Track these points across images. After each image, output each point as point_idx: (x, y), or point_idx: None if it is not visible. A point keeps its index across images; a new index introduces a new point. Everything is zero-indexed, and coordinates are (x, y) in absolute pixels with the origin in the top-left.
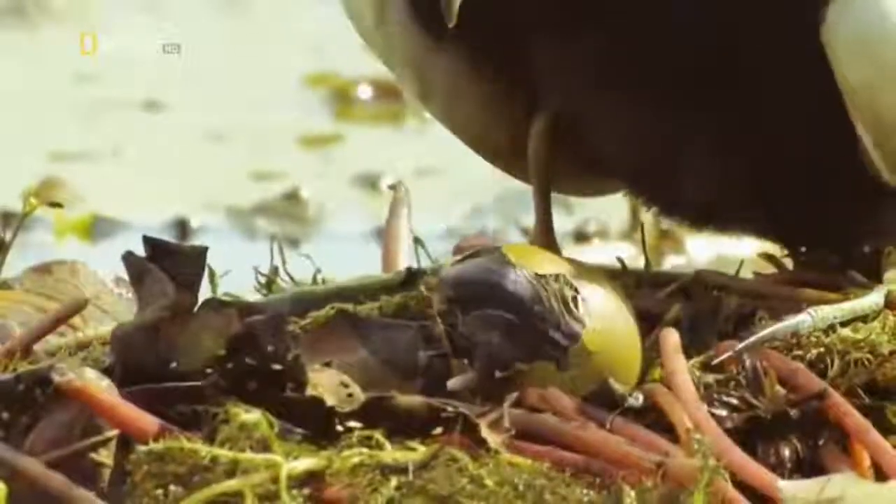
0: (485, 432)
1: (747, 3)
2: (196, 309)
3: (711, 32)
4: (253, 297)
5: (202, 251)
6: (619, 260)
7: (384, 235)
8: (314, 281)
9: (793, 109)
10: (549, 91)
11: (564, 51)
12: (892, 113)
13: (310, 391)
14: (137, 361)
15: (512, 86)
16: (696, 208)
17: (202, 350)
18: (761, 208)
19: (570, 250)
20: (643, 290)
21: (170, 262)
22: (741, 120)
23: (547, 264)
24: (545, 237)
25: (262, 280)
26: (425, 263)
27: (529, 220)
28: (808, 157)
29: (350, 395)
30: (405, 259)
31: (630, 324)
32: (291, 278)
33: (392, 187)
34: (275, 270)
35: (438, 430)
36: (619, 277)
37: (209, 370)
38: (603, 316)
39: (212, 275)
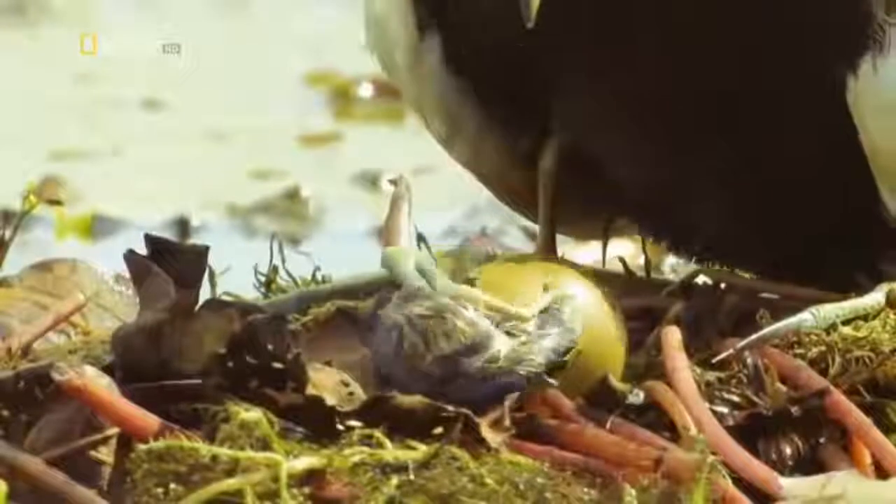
0: (485, 432)
1: (767, 50)
2: (197, 309)
3: (727, 76)
4: (252, 296)
5: (204, 250)
6: (620, 259)
7: (384, 231)
8: (313, 279)
9: (803, 152)
10: (560, 129)
11: (576, 92)
12: None
13: (310, 390)
14: (138, 362)
15: (524, 129)
16: (702, 246)
17: (203, 351)
18: (769, 249)
19: (571, 250)
20: (643, 287)
21: (171, 261)
22: (750, 162)
23: (527, 276)
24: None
25: (262, 279)
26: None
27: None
28: (816, 199)
29: (351, 394)
30: None
31: (611, 322)
32: (291, 277)
33: (393, 182)
34: (274, 270)
35: (439, 429)
36: (619, 277)
37: (210, 370)
38: (585, 316)
39: (211, 274)
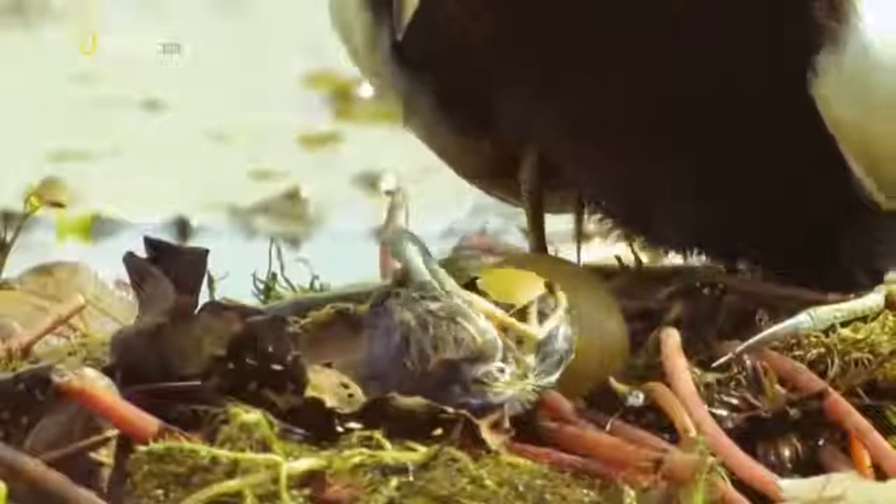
0: (485, 433)
1: (727, 45)
2: (196, 312)
3: (690, 75)
4: (251, 300)
5: (203, 254)
6: (617, 258)
7: (382, 240)
8: (312, 286)
9: (774, 143)
10: (527, 136)
11: (538, 102)
12: (880, 143)
13: (310, 392)
14: (138, 366)
15: (483, 125)
16: (681, 244)
17: (203, 354)
18: (749, 242)
19: (571, 250)
20: (643, 288)
21: (171, 263)
22: (721, 161)
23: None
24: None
25: (261, 286)
26: None
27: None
28: (794, 186)
29: (350, 395)
30: None
31: (609, 322)
32: (290, 284)
33: (389, 193)
34: (273, 277)
35: (439, 430)
36: (617, 276)
37: (210, 372)
38: (584, 316)
39: (210, 280)
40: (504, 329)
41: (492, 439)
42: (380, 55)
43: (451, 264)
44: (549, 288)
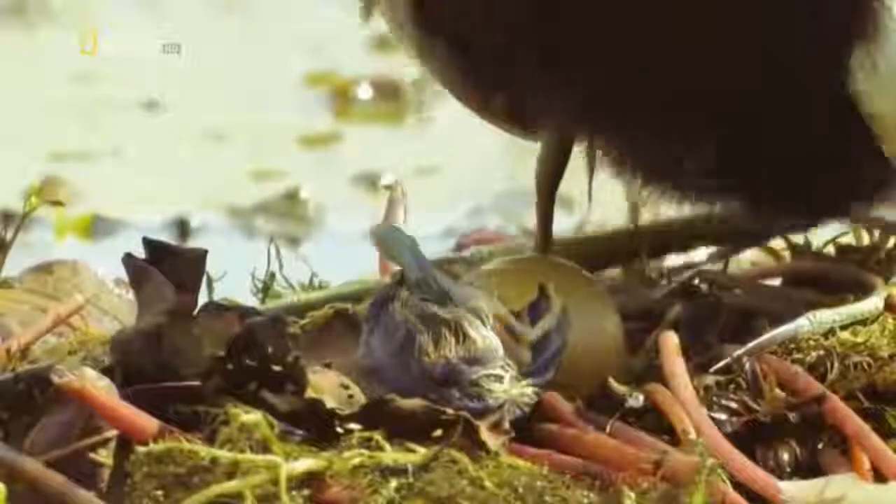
0: (485, 435)
1: (769, 28)
2: (196, 313)
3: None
4: (251, 300)
5: (202, 254)
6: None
7: (371, 235)
8: (311, 285)
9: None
10: (543, 113)
11: (556, 75)
12: None
13: (310, 393)
14: (138, 366)
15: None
16: (711, 193)
17: (203, 354)
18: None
19: None
20: (643, 288)
21: (170, 264)
22: (744, 135)
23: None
24: (542, 255)
25: (259, 285)
26: None
27: (529, 219)
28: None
29: (350, 396)
30: None
31: (604, 320)
32: (289, 283)
33: (388, 187)
34: (272, 276)
35: (439, 431)
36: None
37: (210, 373)
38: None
39: (209, 280)
40: (499, 330)
41: (491, 441)
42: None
43: (443, 265)
44: (542, 289)
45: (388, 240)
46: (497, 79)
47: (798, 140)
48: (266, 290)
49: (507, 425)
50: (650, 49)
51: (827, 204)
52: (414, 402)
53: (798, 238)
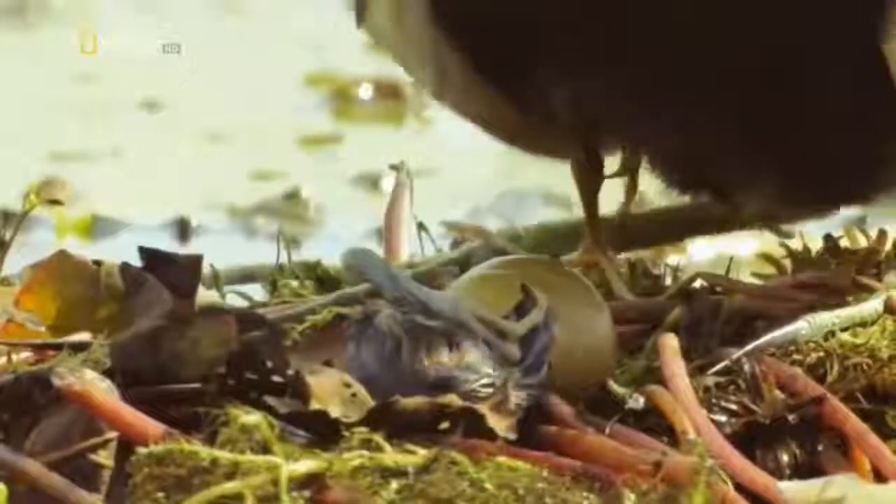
0: (491, 420)
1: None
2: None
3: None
4: (256, 296)
5: (197, 259)
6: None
7: (385, 220)
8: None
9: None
10: (581, 112)
11: (594, 65)
12: None
13: (314, 404)
14: (136, 369)
15: (521, 83)
16: (740, 187)
17: (202, 357)
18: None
19: None
20: (643, 290)
21: (166, 271)
22: (788, 110)
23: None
24: (595, 251)
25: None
26: (429, 250)
27: (529, 220)
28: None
29: (353, 395)
30: (407, 245)
31: (596, 321)
32: (297, 276)
33: (395, 167)
34: (280, 270)
35: (445, 424)
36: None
37: (208, 382)
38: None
39: (216, 276)
40: (486, 333)
41: (499, 426)
42: (411, 22)
43: (427, 277)
44: (525, 288)
45: (360, 262)
46: (518, 73)
47: (829, 115)
48: (274, 284)
49: (511, 406)
50: (676, 22)
51: (859, 183)
52: (416, 401)
53: (797, 242)
